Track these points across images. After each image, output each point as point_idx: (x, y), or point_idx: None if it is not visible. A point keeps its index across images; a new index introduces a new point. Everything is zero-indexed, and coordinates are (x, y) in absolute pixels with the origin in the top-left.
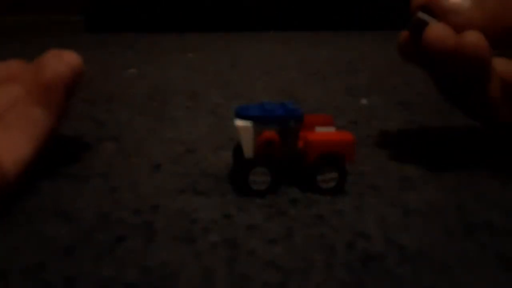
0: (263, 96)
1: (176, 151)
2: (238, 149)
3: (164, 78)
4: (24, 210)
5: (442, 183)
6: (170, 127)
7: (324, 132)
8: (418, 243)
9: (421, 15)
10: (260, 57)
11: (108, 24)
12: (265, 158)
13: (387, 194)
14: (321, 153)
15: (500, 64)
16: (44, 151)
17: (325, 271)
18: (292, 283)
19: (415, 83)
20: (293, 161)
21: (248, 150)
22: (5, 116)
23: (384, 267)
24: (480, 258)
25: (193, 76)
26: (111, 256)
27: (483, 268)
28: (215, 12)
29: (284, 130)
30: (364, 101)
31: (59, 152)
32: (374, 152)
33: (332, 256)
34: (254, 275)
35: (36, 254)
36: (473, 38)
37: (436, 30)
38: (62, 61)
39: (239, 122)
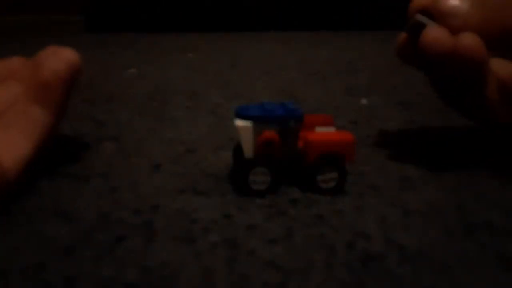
0: (263, 96)
1: (176, 151)
2: (238, 149)
3: (164, 78)
4: (24, 210)
5: (442, 183)
6: (170, 127)
7: (324, 132)
8: (418, 243)
9: (419, 17)
10: (260, 57)
11: (108, 24)
12: (265, 158)
13: (387, 194)
14: (321, 153)
15: (498, 66)
16: (44, 151)
17: (325, 271)
18: (292, 283)
19: (415, 83)
20: (293, 161)
21: (248, 150)
22: (5, 115)
23: (384, 267)
24: (480, 258)
25: (193, 76)
26: (111, 256)
27: (483, 268)
28: (215, 12)
29: (284, 130)
30: (364, 101)
31: (59, 152)
32: (374, 152)
33: (332, 256)
34: (254, 275)
35: (36, 254)
36: (470, 40)
37: (433, 33)
38: (59, 59)
39: (239, 122)
